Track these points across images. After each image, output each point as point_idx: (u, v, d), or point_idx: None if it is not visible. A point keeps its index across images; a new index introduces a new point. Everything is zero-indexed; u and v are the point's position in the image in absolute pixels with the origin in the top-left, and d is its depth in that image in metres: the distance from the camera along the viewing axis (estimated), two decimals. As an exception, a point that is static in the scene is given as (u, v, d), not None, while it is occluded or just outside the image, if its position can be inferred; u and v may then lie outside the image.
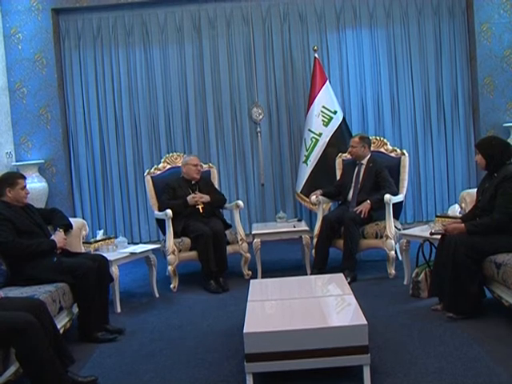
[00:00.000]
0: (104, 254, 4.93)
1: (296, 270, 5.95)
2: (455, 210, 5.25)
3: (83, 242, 5.11)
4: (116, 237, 5.71)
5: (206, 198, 5.98)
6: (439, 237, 4.57)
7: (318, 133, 7.15)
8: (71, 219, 5.00)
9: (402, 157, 6.11)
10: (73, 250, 4.77)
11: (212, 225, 5.76)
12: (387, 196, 5.55)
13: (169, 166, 6.46)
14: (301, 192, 7.27)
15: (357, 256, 5.81)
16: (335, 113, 7.19)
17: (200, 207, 5.94)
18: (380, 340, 3.88)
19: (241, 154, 7.85)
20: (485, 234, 4.21)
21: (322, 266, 5.63)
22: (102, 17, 7.72)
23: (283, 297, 4.20)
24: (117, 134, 7.80)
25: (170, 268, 5.62)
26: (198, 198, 5.92)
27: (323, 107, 7.17)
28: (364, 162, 5.98)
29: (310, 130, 7.20)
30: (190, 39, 7.74)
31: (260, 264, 5.88)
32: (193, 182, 6.09)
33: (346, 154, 6.42)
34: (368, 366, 3.27)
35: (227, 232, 5.92)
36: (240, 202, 6.12)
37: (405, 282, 5.25)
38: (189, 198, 5.90)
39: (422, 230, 5.28)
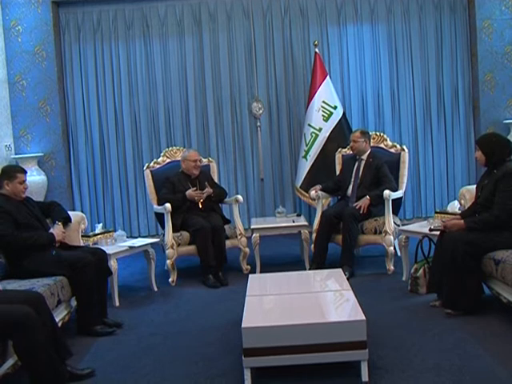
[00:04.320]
0: (103, 248, 4.93)
1: (295, 264, 5.95)
2: (454, 206, 5.25)
3: (82, 236, 5.11)
4: (115, 230, 5.70)
5: (209, 190, 5.96)
6: (438, 233, 4.57)
7: (317, 128, 7.14)
8: (70, 212, 5.00)
9: (402, 152, 6.11)
10: (71, 244, 4.77)
11: (211, 219, 5.77)
12: (386, 192, 5.54)
13: (168, 160, 6.45)
14: (300, 187, 7.26)
15: (355, 252, 5.82)
16: (335, 108, 7.18)
17: (200, 202, 5.93)
18: (378, 336, 3.88)
19: (240, 149, 7.84)
20: (484, 230, 4.21)
21: (320, 261, 5.63)
22: (102, 10, 7.70)
23: (282, 292, 4.20)
24: (116, 127, 7.79)
25: (168, 262, 5.62)
26: (200, 196, 5.89)
27: (323, 102, 7.16)
28: (364, 157, 5.97)
29: (309, 125, 7.19)
30: (190, 33, 7.72)
31: (259, 259, 5.89)
32: (192, 177, 6.08)
33: (345, 150, 6.42)
34: (366, 361, 3.28)
35: (226, 227, 5.92)
36: (239, 197, 6.12)
37: (403, 278, 5.25)
38: (188, 192, 5.88)
39: (421, 226, 5.29)
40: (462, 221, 4.38)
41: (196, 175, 6.09)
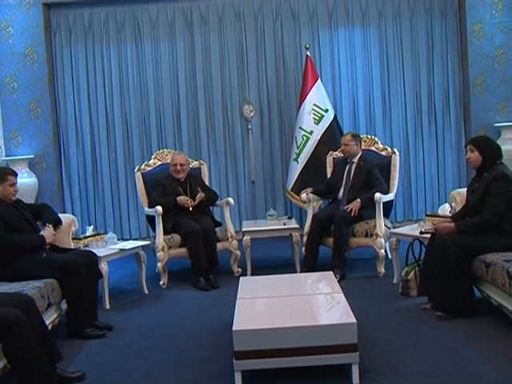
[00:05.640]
0: (93, 250, 4.91)
1: (286, 267, 5.93)
2: (445, 209, 5.27)
3: (73, 238, 5.09)
4: (106, 233, 5.69)
5: (201, 196, 5.92)
6: (429, 236, 4.58)
7: (309, 131, 7.14)
8: (61, 215, 4.99)
9: (393, 155, 6.12)
10: (62, 246, 4.75)
11: (202, 222, 5.75)
12: (378, 194, 5.56)
13: (159, 163, 6.43)
14: (291, 190, 7.26)
15: (346, 254, 5.83)
16: (326, 111, 7.18)
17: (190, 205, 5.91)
18: (369, 338, 3.88)
19: (232, 151, 7.83)
20: (475, 233, 4.23)
21: (311, 264, 5.63)
22: (93, 12, 7.67)
23: (273, 294, 4.19)
24: (107, 129, 7.76)
25: (159, 265, 5.61)
26: (191, 204, 5.86)
27: (314, 105, 7.16)
28: (355, 160, 5.98)
29: (301, 128, 7.19)
30: (181, 35, 7.71)
31: (250, 261, 5.88)
32: (182, 180, 6.06)
33: (336, 153, 6.43)
34: (357, 364, 3.28)
35: (217, 229, 5.91)
36: (230, 199, 6.12)
37: (394, 281, 5.26)
38: (179, 198, 5.85)
39: (412, 229, 5.30)
40: (453, 224, 4.39)
41: (181, 178, 6.05)
